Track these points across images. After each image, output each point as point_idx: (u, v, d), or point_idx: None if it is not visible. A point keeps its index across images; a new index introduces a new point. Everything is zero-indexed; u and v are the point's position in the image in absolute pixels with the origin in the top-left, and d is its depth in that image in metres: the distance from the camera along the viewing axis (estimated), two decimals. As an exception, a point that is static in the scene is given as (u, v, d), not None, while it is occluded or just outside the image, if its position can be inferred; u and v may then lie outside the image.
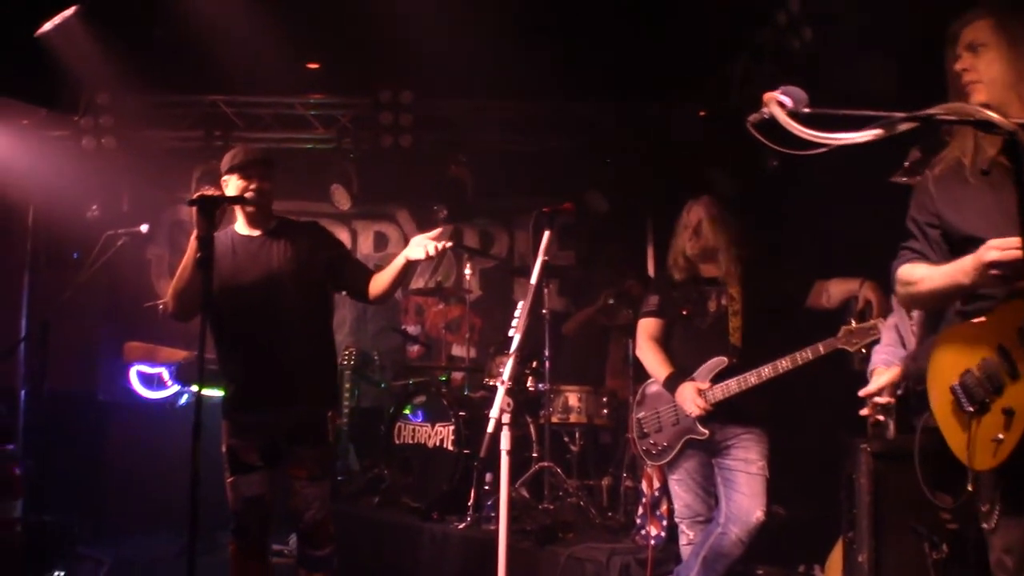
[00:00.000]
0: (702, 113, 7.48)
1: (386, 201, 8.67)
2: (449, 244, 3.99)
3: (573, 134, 7.83)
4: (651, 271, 7.78)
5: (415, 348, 7.86)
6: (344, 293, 4.42)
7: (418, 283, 8.58)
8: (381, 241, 8.81)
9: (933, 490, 3.63)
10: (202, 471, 3.51)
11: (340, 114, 7.89)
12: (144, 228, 5.95)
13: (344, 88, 7.88)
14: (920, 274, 2.71)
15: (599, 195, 7.56)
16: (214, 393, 6.69)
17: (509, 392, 3.56)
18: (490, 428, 3.56)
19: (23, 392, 7.53)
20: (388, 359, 7.75)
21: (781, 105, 2.31)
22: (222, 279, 3.97)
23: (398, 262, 3.97)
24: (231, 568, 4.14)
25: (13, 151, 7.23)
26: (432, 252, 3.84)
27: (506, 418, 3.59)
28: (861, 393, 3.76)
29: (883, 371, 3.65)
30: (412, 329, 8.03)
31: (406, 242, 8.66)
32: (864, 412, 3.82)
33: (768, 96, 2.36)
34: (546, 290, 6.23)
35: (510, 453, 3.62)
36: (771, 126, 2.36)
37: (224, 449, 4.11)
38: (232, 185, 4.04)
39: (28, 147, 7.45)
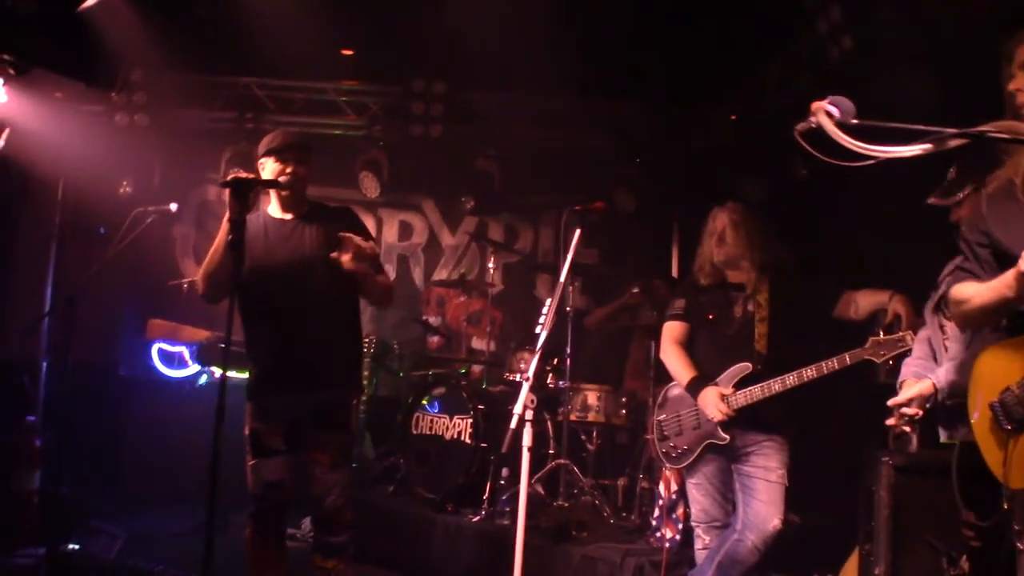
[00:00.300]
0: (733, 117, 7.45)
1: (412, 191, 8.68)
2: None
3: (604, 132, 7.81)
4: (675, 273, 7.76)
5: (435, 339, 7.85)
6: None
7: (441, 275, 8.60)
8: (406, 230, 8.82)
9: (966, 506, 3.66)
10: (228, 455, 3.52)
11: (372, 101, 7.91)
12: (173, 207, 5.95)
13: (377, 76, 7.89)
14: (970, 292, 2.71)
15: (628, 194, 7.54)
16: (236, 375, 6.82)
17: (532, 389, 3.55)
18: (513, 424, 3.56)
19: (44, 364, 7.59)
20: (407, 349, 7.76)
21: (829, 115, 2.30)
22: (253, 261, 3.96)
23: None
24: (247, 551, 4.14)
25: (46, 124, 7.26)
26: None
27: (529, 415, 3.60)
28: (890, 402, 3.73)
29: (913, 383, 3.63)
30: (433, 320, 8.03)
31: (431, 232, 8.78)
32: (890, 422, 3.80)
33: (816, 105, 2.35)
34: (571, 288, 6.22)
35: (530, 449, 3.63)
36: (818, 135, 2.35)
37: (247, 432, 4.11)
38: (268, 168, 4.04)
39: (61, 120, 7.49)
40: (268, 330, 4.08)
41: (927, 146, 2.22)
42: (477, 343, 7.92)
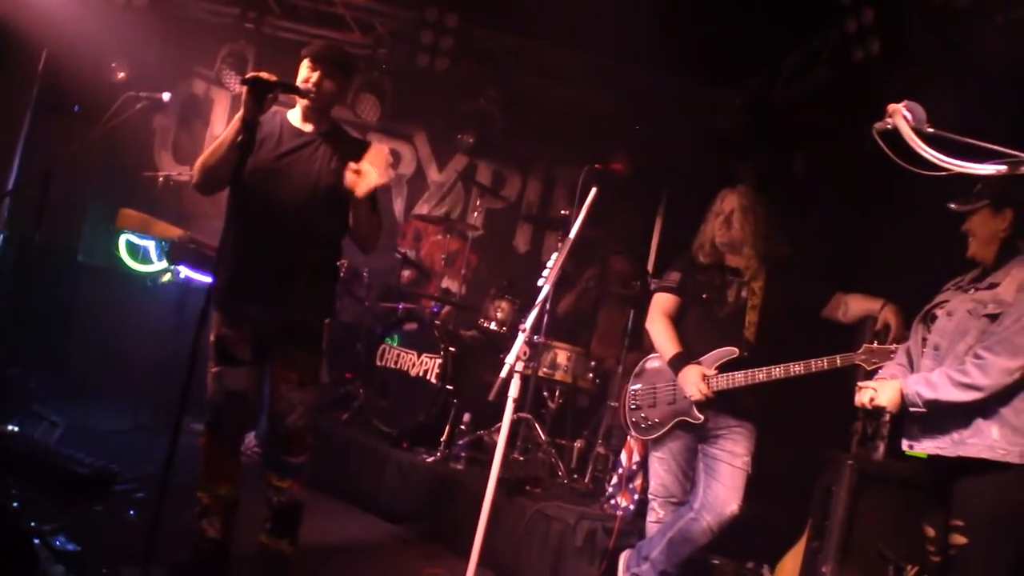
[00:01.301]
0: (738, 101, 7.40)
1: (406, 120, 8.52)
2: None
3: (609, 94, 7.71)
4: (655, 243, 7.74)
5: (407, 273, 7.74)
6: None
7: (423, 209, 8.48)
8: (393, 159, 8.65)
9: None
10: (175, 354, 3.41)
11: (380, 22, 7.69)
12: (166, 96, 5.75)
13: (389, -3, 7.68)
14: None
15: (624, 159, 7.48)
16: (201, 276, 6.68)
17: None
18: (503, 373, 3.51)
19: (1, 237, 7.36)
20: (376, 279, 7.65)
21: (905, 119, 2.25)
22: (257, 163, 3.81)
23: None
24: (201, 459, 4.03)
25: (39, -10, 6.99)
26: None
27: (520, 366, 3.55)
28: (857, 402, 3.77)
29: (885, 383, 3.67)
30: (409, 254, 7.92)
31: (418, 165, 8.63)
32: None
33: (893, 108, 2.31)
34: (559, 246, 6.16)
35: (514, 401, 3.60)
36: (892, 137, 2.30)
37: (212, 339, 3.96)
38: (301, 72, 3.89)
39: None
40: (252, 236, 3.87)
41: (1001, 168, 2.18)
42: (449, 283, 7.84)
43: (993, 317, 3.38)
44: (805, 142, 6.72)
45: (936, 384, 3.39)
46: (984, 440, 3.30)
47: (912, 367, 3.76)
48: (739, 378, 4.16)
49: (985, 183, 3.54)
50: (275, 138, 3.93)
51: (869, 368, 3.95)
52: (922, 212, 4.69)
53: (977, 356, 3.34)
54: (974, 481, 3.34)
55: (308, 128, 3.99)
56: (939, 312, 3.64)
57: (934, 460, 3.48)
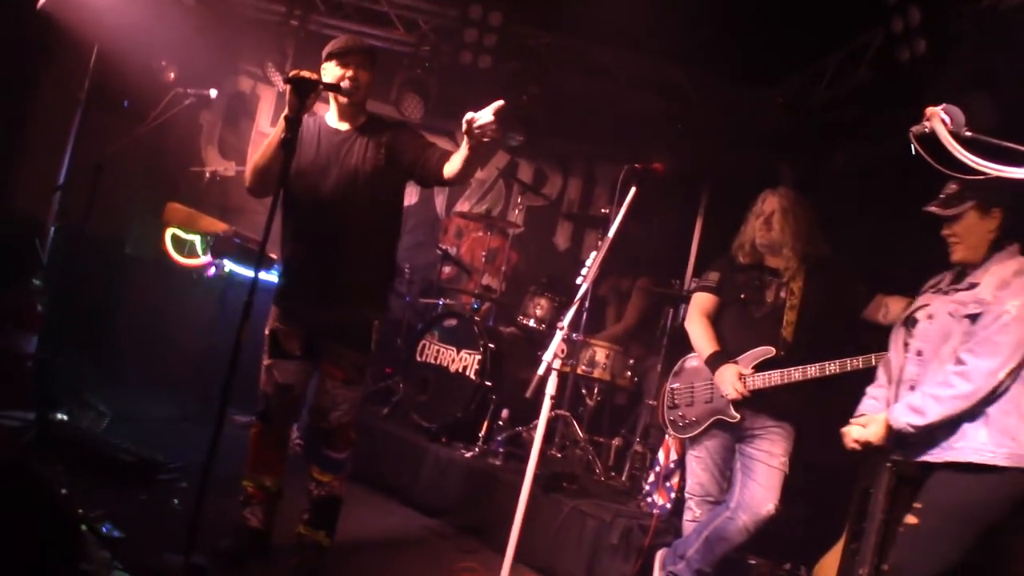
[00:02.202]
0: (780, 100, 7.36)
1: (448, 117, 8.55)
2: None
3: (652, 93, 7.70)
4: (696, 241, 7.72)
5: (448, 269, 7.80)
6: (428, 187, 4.31)
7: (464, 207, 8.52)
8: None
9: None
10: (220, 347, 3.49)
11: (424, 20, 7.74)
12: (213, 93, 5.87)
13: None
14: None
15: (667, 158, 7.47)
16: (245, 270, 6.78)
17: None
18: (540, 370, 3.54)
19: (52, 230, 7.51)
20: (417, 275, 7.71)
21: (943, 123, 2.26)
22: (301, 165, 3.93)
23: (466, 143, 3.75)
24: (249, 449, 4.16)
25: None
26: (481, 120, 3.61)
27: (557, 364, 3.58)
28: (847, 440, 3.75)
29: (870, 418, 3.63)
30: (450, 251, 7.98)
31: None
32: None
33: (931, 111, 2.31)
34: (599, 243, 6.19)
35: (552, 398, 3.63)
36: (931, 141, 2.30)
37: (267, 332, 4.11)
38: (329, 72, 3.96)
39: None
40: (303, 236, 4.06)
41: (1039, 170, 2.18)
42: (489, 280, 7.88)
43: (974, 318, 3.32)
44: (847, 142, 6.67)
45: (922, 408, 3.32)
46: (971, 443, 3.25)
47: (891, 379, 3.70)
48: (775, 377, 4.16)
49: (966, 184, 3.44)
50: (315, 141, 4.03)
51: None
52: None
53: (959, 361, 3.28)
54: (951, 475, 3.29)
55: (345, 127, 4.07)
56: (920, 316, 3.58)
57: (923, 467, 3.43)
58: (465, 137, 3.68)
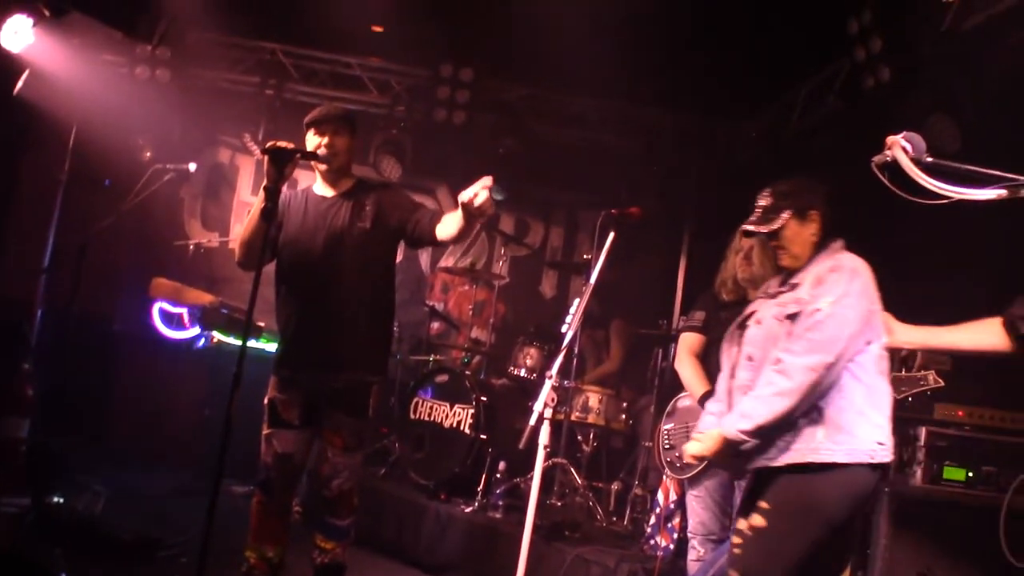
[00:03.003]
0: (754, 134, 7.46)
1: (427, 174, 8.64)
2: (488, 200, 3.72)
3: (626, 136, 7.80)
4: (680, 283, 7.77)
5: (436, 325, 7.83)
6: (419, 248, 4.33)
7: (448, 262, 8.57)
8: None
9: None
10: (212, 418, 3.51)
11: (397, 81, 7.86)
12: (192, 167, 5.98)
13: (404, 56, 7.82)
14: None
15: (645, 200, 7.56)
16: (234, 341, 6.80)
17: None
18: (532, 420, 3.55)
19: (40, 311, 7.52)
20: (407, 332, 7.74)
21: (904, 150, 2.30)
22: (290, 235, 3.98)
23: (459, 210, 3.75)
24: (251, 519, 4.12)
25: (65, 69, 7.19)
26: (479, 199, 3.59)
27: (548, 412, 3.59)
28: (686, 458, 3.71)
29: (706, 434, 3.37)
30: (437, 306, 8.01)
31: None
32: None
33: (892, 140, 2.35)
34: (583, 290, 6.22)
35: (546, 448, 3.63)
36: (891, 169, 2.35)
37: (266, 401, 4.11)
38: (309, 141, 4.02)
39: (80, 67, 7.40)
40: (296, 305, 4.07)
41: (1002, 192, 2.22)
42: (478, 333, 7.91)
43: (794, 317, 3.24)
44: (823, 170, 6.74)
45: (748, 412, 3.18)
46: (808, 443, 3.13)
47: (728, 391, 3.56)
48: (768, 416, 4.15)
49: (777, 195, 3.43)
50: (301, 209, 4.08)
51: (899, 397, 3.94)
52: (943, 235, 4.72)
53: (777, 360, 3.20)
54: (794, 476, 3.14)
55: (330, 193, 4.11)
56: (750, 322, 3.51)
57: (761, 472, 3.26)
58: (461, 211, 3.70)
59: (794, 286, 3.35)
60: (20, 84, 6.84)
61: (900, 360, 4.31)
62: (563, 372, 6.16)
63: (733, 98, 7.17)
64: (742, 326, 3.55)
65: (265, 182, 3.68)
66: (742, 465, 3.33)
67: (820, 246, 3.40)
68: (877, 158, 2.34)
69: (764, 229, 3.43)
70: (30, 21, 6.22)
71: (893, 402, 4.04)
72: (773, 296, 3.46)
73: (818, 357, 3.09)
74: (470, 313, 7.53)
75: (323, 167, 4.04)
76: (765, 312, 3.43)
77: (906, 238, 5.33)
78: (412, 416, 6.38)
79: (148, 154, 7.57)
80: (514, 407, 6.25)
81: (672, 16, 6.26)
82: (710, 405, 3.65)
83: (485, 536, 5.47)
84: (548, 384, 3.58)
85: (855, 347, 3.17)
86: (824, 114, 6.54)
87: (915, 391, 3.91)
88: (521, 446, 3.55)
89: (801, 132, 6.86)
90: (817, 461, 3.10)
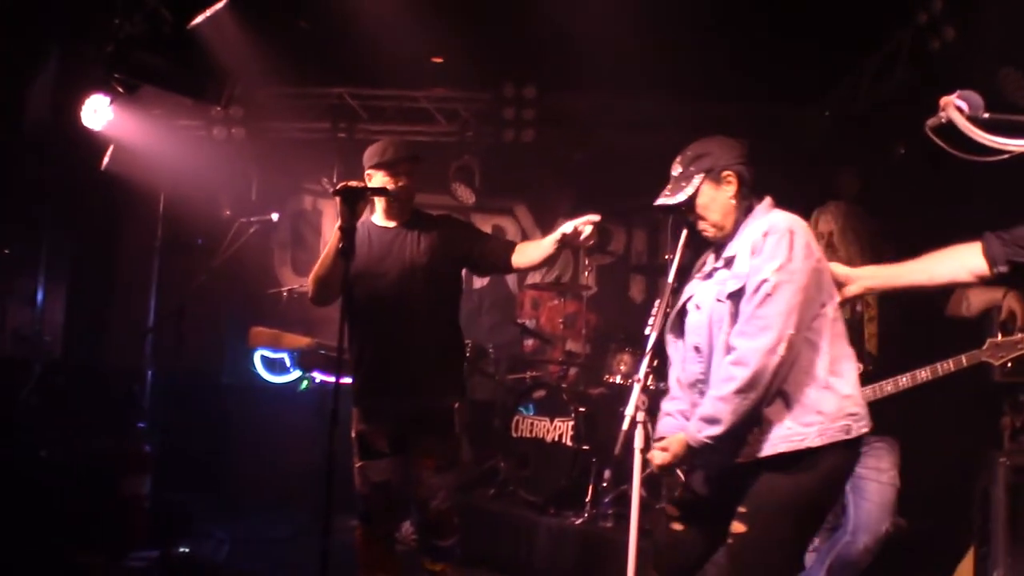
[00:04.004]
0: (827, 114, 7.34)
1: (505, 195, 8.72)
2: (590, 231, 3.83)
3: (696, 133, 7.71)
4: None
5: (530, 342, 7.88)
6: (487, 276, 4.42)
7: (535, 278, 8.60)
8: (499, 234, 8.86)
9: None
10: (324, 455, 3.61)
11: (463, 108, 7.98)
12: (275, 217, 6.12)
13: (467, 82, 7.95)
14: None
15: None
16: (328, 379, 6.95)
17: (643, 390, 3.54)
18: (624, 425, 3.55)
19: (150, 373, 7.82)
20: (502, 353, 7.79)
21: (959, 110, 2.26)
22: (357, 269, 4.05)
23: (552, 237, 3.85)
24: (358, 551, 4.22)
25: (147, 139, 7.50)
26: (585, 234, 3.76)
27: (640, 416, 3.59)
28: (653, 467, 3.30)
29: (668, 440, 3.18)
30: (528, 323, 8.05)
31: (524, 236, 8.82)
32: None
33: (945, 100, 2.32)
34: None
35: (641, 451, 3.62)
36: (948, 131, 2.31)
37: (354, 435, 4.19)
38: (376, 179, 4.11)
39: (161, 136, 7.72)
40: (371, 336, 4.16)
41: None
42: (572, 345, 7.92)
43: (736, 296, 2.95)
44: (902, 137, 6.59)
45: (714, 415, 2.91)
46: (779, 431, 2.87)
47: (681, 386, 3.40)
48: (867, 393, 4.05)
49: (686, 161, 3.28)
50: (366, 242, 4.17)
51: (997, 363, 3.83)
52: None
53: (731, 348, 2.92)
54: (770, 471, 2.89)
55: (392, 224, 4.22)
56: (689, 308, 3.23)
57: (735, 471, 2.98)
58: (558, 240, 3.80)
59: (729, 260, 3.05)
60: (106, 159, 7.15)
61: (999, 324, 4.20)
62: (656, 373, 6.14)
63: (799, 82, 7.06)
64: (682, 314, 3.29)
65: (339, 222, 3.79)
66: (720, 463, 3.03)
67: (744, 208, 3.13)
68: (931, 121, 2.30)
69: (674, 201, 3.21)
70: (107, 99, 6.49)
71: (995, 369, 3.95)
72: (709, 275, 3.17)
73: (773, 335, 2.81)
74: (562, 326, 7.55)
75: (391, 202, 4.14)
76: (703, 295, 3.16)
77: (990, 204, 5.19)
78: (514, 434, 6.43)
79: (227, 212, 7.82)
80: (613, 415, 6.24)
81: (728, 5, 6.22)
82: (666, 404, 3.42)
83: (598, 546, 5.47)
84: (636, 388, 3.58)
85: (811, 313, 2.90)
86: (894, 85, 6.39)
87: (1012, 356, 3.78)
88: (616, 452, 3.55)
89: (873, 106, 6.72)
90: (790, 450, 2.85)
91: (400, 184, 4.09)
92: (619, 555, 5.12)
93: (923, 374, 3.96)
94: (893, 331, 4.24)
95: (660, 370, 6.03)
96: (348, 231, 3.76)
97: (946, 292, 4.26)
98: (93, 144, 7.04)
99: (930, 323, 4.32)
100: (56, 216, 7.63)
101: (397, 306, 4.09)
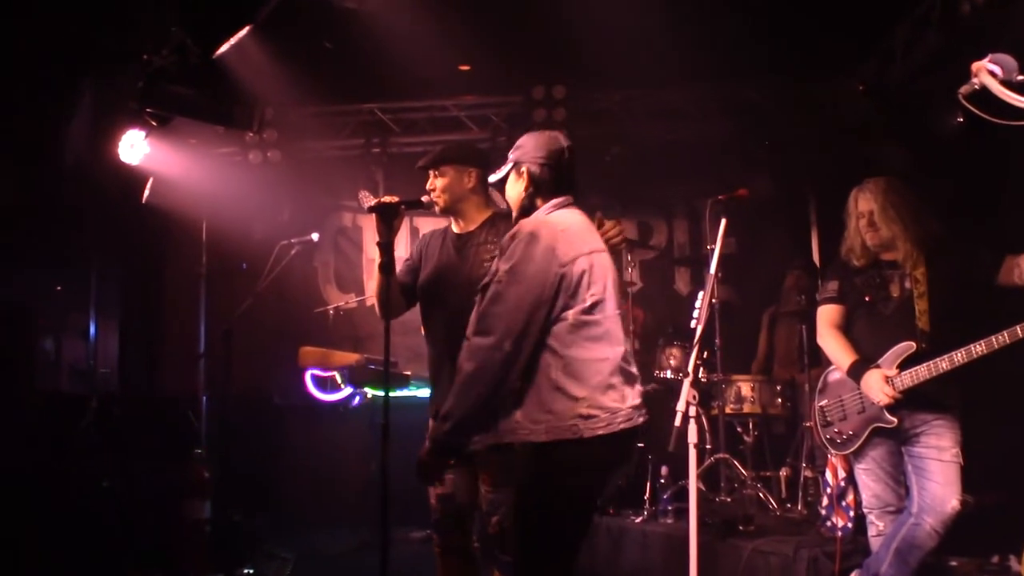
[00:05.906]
0: (861, 87, 7.20)
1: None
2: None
3: (730, 118, 7.69)
4: (816, 255, 7.57)
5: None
6: None
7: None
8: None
9: None
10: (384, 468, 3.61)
11: (493, 113, 8.00)
12: (315, 237, 6.17)
13: (496, 88, 7.96)
14: None
15: (761, 179, 7.41)
16: (379, 393, 6.99)
17: (692, 384, 3.52)
18: (677, 421, 3.52)
19: (204, 398, 7.92)
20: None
21: (992, 74, 2.20)
22: (424, 278, 4.05)
23: None
24: (437, 562, 4.22)
25: (185, 169, 7.61)
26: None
27: (692, 411, 3.56)
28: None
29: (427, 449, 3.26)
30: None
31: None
32: None
33: (977, 66, 2.26)
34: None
35: (695, 445, 3.60)
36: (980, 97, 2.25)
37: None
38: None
39: (198, 164, 7.84)
40: (440, 346, 4.09)
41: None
42: (622, 344, 7.90)
43: (484, 290, 3.11)
44: (946, 102, 6.45)
45: (447, 410, 3.05)
46: (508, 423, 3.03)
47: None
48: (922, 372, 3.99)
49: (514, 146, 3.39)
50: (437, 251, 4.12)
51: None
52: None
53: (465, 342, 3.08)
54: (504, 458, 3.12)
55: (464, 231, 4.11)
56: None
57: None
58: None
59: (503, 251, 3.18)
60: (147, 192, 7.26)
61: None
62: (707, 366, 6.10)
63: (829, 56, 6.95)
64: None
65: (377, 238, 3.79)
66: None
67: (525, 208, 3.32)
68: (964, 88, 2.24)
69: (494, 178, 3.50)
70: (142, 133, 6.58)
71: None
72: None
73: (499, 334, 2.95)
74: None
75: (441, 209, 4.11)
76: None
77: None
78: (569, 436, 6.40)
79: (260, 235, 7.90)
80: (665, 410, 6.18)
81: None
82: None
83: (660, 543, 5.45)
84: (686, 383, 3.56)
85: (541, 316, 3.00)
86: (927, 52, 6.24)
87: None
88: (671, 448, 3.54)
89: (907, 76, 6.58)
90: (517, 441, 3.02)
91: (428, 189, 4.05)
92: (680, 550, 5.12)
93: (979, 348, 3.85)
94: (945, 306, 4.13)
95: (710, 362, 6.04)
96: (386, 246, 3.75)
97: (996, 262, 4.13)
98: (134, 178, 7.15)
99: (983, 295, 4.20)
100: (103, 251, 7.77)
101: (461, 317, 4.01)
